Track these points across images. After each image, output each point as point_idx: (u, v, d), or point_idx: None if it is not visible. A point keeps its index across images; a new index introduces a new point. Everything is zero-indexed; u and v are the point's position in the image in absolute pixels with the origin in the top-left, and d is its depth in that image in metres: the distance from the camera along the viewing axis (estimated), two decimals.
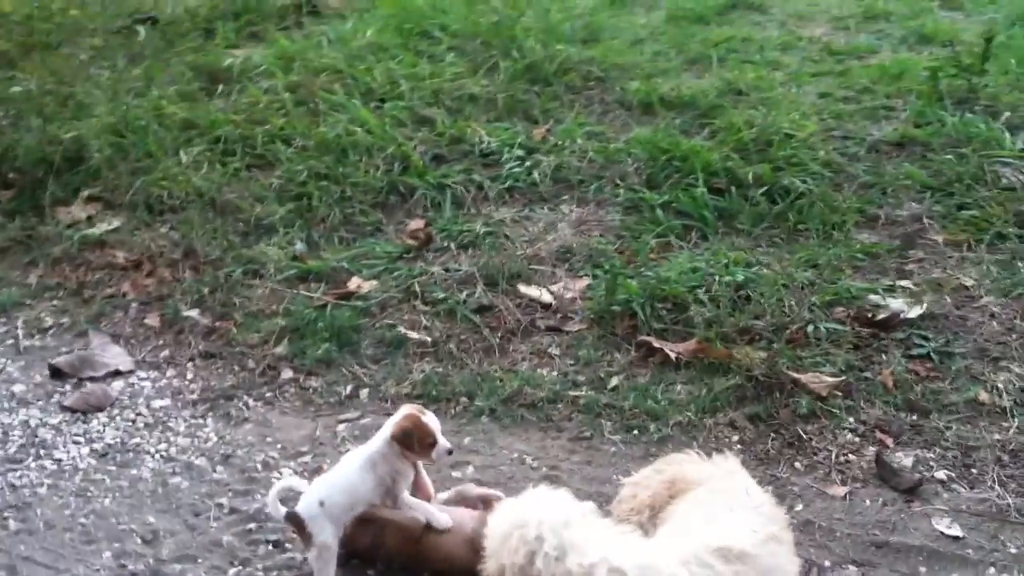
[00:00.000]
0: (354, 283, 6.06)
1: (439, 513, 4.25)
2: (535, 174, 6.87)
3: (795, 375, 5.07)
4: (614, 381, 5.26)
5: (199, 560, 4.40)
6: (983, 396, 4.97)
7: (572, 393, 5.21)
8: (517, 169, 6.93)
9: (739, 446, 4.84)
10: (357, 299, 5.94)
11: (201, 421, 5.28)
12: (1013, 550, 4.22)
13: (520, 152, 7.09)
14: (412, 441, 4.15)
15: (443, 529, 4.22)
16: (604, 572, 3.50)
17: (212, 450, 5.08)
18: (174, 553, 4.44)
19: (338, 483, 4.18)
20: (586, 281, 5.94)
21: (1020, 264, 5.79)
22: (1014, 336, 5.30)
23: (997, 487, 4.52)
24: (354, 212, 6.67)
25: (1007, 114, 7.10)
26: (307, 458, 4.99)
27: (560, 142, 7.17)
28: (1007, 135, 6.84)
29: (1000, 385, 5.02)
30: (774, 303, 5.50)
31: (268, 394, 5.46)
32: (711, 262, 5.86)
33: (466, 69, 8.10)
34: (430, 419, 4.20)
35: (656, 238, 6.18)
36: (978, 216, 6.17)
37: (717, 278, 5.67)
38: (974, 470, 4.63)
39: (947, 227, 6.17)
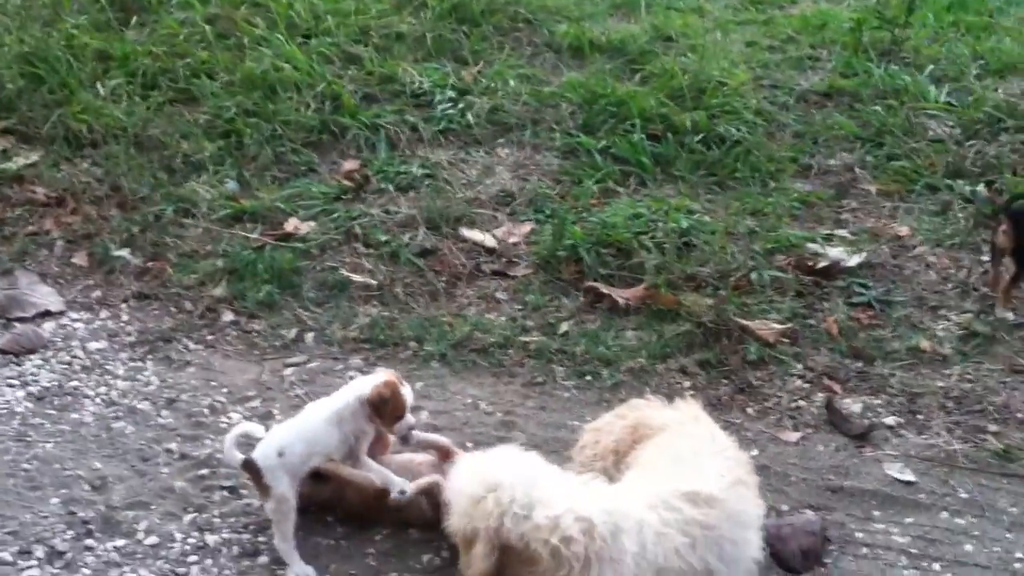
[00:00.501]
0: (291, 224, 5.93)
1: (397, 478, 4.15)
2: (469, 116, 6.80)
3: (743, 322, 5.15)
4: (564, 327, 5.27)
5: (152, 506, 4.28)
6: (924, 344, 5.12)
7: (523, 339, 5.20)
8: (451, 111, 6.84)
9: (691, 392, 4.89)
10: (296, 240, 5.81)
11: (140, 364, 5.13)
12: (963, 495, 4.37)
13: (452, 93, 7.00)
14: (386, 409, 4.05)
15: (400, 494, 4.13)
16: (571, 521, 3.52)
17: (155, 394, 4.93)
18: (125, 499, 4.31)
19: (299, 434, 4.06)
20: (529, 226, 5.92)
21: (951, 215, 5.94)
22: (950, 286, 5.48)
23: (944, 433, 4.68)
24: (286, 151, 6.50)
25: (930, 67, 7.27)
26: (255, 403, 4.89)
27: (492, 84, 7.09)
28: (932, 88, 7.00)
29: (940, 333, 5.19)
30: (718, 250, 5.55)
31: (209, 337, 5.33)
32: (652, 208, 5.90)
33: (391, 6, 7.92)
34: (407, 392, 4.09)
35: (596, 183, 6.17)
36: (908, 167, 6.33)
37: (660, 225, 5.70)
38: (920, 416, 4.78)
39: (879, 177, 6.32)
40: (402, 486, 4.10)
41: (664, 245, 5.58)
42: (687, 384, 4.97)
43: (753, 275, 5.45)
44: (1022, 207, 5.16)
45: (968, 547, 4.13)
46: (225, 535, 4.16)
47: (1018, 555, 4.08)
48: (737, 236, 5.71)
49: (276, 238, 5.81)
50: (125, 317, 5.43)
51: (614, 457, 4.03)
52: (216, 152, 6.43)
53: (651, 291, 5.33)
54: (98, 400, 4.87)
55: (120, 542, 4.11)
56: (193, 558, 4.05)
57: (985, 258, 5.55)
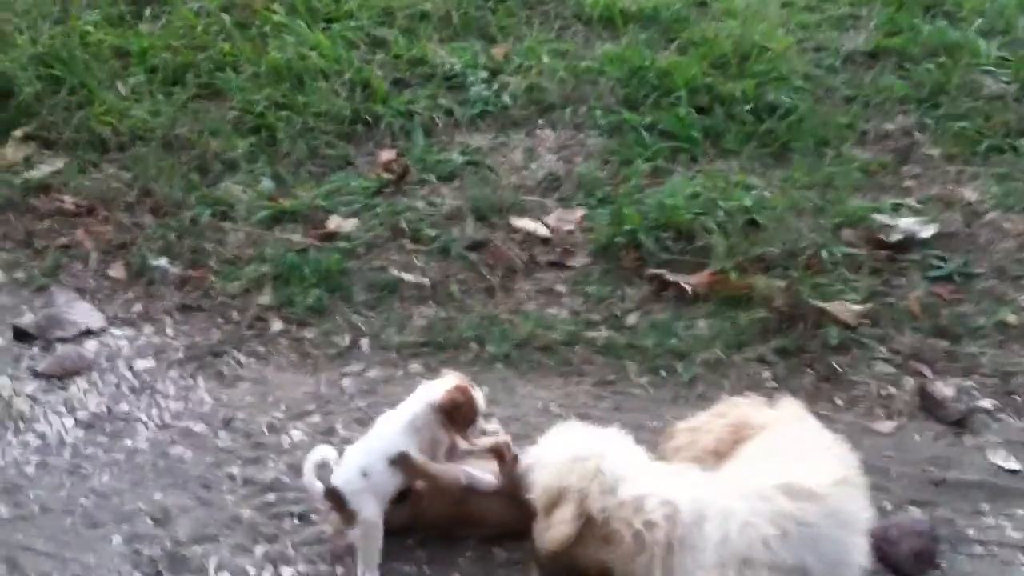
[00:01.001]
0: (334, 222, 5.69)
1: (481, 474, 3.97)
2: (504, 97, 6.52)
3: (820, 304, 4.90)
4: (631, 319, 5.03)
5: (220, 539, 4.07)
6: (1011, 318, 4.89)
7: (589, 334, 4.97)
8: (485, 92, 6.56)
9: (772, 383, 4.68)
10: (340, 240, 5.56)
11: (191, 382, 4.90)
12: None
13: (484, 74, 6.71)
14: (460, 414, 3.86)
15: (487, 490, 3.94)
16: (656, 504, 3.49)
17: (209, 414, 4.71)
18: (191, 533, 4.10)
19: (381, 452, 3.86)
20: (581, 211, 5.66)
21: (1020, 176, 5.68)
22: None
23: None
24: (319, 144, 6.24)
25: (978, 20, 6.96)
26: (315, 418, 4.67)
27: (524, 62, 6.80)
28: (981, 42, 6.71)
29: None
30: (784, 228, 5.30)
31: (260, 348, 5.10)
32: (708, 186, 5.63)
33: None
34: (478, 395, 3.91)
35: (645, 162, 5.91)
36: (969, 128, 6.05)
37: (721, 203, 5.43)
38: (1018, 397, 4.55)
39: (939, 140, 6.04)
40: (489, 483, 3.92)
41: (727, 225, 5.33)
42: (767, 375, 4.74)
43: (823, 253, 5.19)
44: None
45: None
46: (301, 568, 3.95)
47: None
48: (801, 211, 5.44)
49: (320, 238, 5.57)
50: (170, 331, 5.20)
51: (714, 459, 3.84)
52: (248, 149, 6.18)
53: (718, 276, 5.09)
54: (151, 424, 4.66)
55: None
56: None
57: None
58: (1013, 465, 4.24)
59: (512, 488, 3.93)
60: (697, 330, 4.93)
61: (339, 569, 3.93)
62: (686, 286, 5.08)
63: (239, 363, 5.02)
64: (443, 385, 3.91)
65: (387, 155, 6.19)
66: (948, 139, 6.02)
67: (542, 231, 5.53)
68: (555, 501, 3.66)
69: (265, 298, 5.30)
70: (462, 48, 6.93)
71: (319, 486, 3.85)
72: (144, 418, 4.69)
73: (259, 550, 4.03)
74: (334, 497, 3.81)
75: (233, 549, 4.02)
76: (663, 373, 4.78)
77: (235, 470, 4.39)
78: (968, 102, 6.23)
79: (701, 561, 3.40)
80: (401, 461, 3.83)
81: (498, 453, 4.01)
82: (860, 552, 3.51)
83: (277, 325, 5.20)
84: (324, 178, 6.05)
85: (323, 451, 3.96)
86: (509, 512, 3.96)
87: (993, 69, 6.48)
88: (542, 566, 3.81)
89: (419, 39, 7.02)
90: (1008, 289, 5.05)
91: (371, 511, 3.79)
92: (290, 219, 5.74)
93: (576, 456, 3.67)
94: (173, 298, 5.38)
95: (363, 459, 3.85)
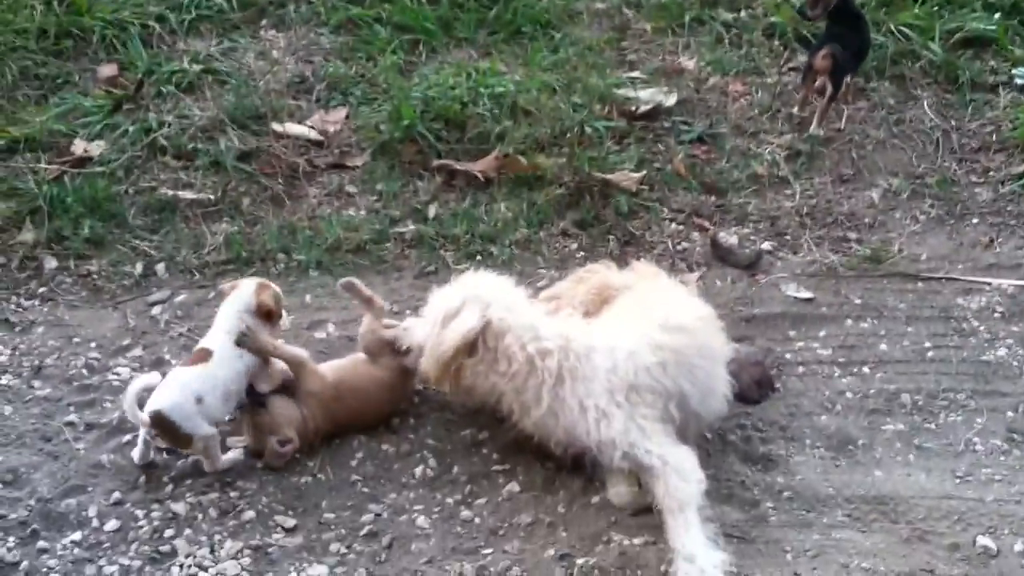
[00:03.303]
0: (79, 147, 5.24)
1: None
2: None
3: (604, 176, 5.19)
4: (432, 210, 5.08)
5: (89, 488, 3.78)
6: (760, 170, 5.42)
7: (397, 230, 4.98)
8: None
9: (581, 253, 4.93)
10: (95, 165, 5.14)
11: None
12: (857, 301, 4.76)
13: None
14: (278, 310, 3.93)
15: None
16: (549, 333, 3.74)
17: (15, 365, 4.29)
18: (54, 488, 3.77)
19: (211, 374, 3.76)
20: (344, 111, 5.58)
21: (725, 44, 6.20)
22: (756, 111, 5.77)
23: (815, 248, 5.03)
24: (31, 64, 5.67)
25: None
26: (137, 351, 4.40)
27: None
28: None
29: (768, 157, 5.48)
30: (548, 110, 5.51)
31: (41, 289, 4.67)
32: (457, 75, 5.72)
33: None
34: (278, 289, 4.02)
35: (392, 55, 5.89)
36: (669, 1, 6.48)
37: (483, 91, 5.55)
38: (788, 236, 5.11)
39: (648, 15, 6.45)
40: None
41: (495, 112, 5.46)
42: (574, 246, 4.99)
43: (588, 128, 5.47)
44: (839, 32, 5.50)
45: (883, 346, 4.53)
46: (190, 499, 3.76)
47: (927, 344, 4.53)
48: (553, 92, 5.67)
49: (71, 165, 5.12)
50: None
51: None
52: None
53: (503, 159, 5.24)
54: None
55: (76, 535, 3.63)
56: (169, 532, 3.65)
57: (774, 80, 5.92)
58: (805, 294, 4.78)
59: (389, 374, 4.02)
60: (499, 214, 5.07)
61: (232, 493, 3.77)
62: (476, 173, 5.18)
63: (22, 307, 4.58)
64: (242, 293, 3.91)
65: (108, 70, 5.74)
66: (656, 13, 6.43)
67: (313, 135, 5.41)
68: (454, 314, 3.78)
69: (28, 235, 4.83)
70: None
71: (142, 414, 3.70)
72: None
73: (136, 492, 3.78)
74: (161, 423, 3.68)
75: (108, 495, 3.75)
76: (479, 257, 4.89)
77: (72, 417, 4.05)
78: None
79: (591, 389, 3.65)
80: (246, 339, 3.81)
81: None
82: (724, 382, 3.92)
83: (52, 263, 4.78)
84: (47, 101, 5.53)
85: (146, 379, 3.82)
86: (386, 395, 4.05)
87: None
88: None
89: None
90: (750, 144, 5.59)
91: (205, 429, 3.71)
92: (28, 147, 5.20)
93: (477, 282, 3.92)
94: None
95: (196, 385, 3.73)
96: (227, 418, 3.94)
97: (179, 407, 3.68)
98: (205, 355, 3.80)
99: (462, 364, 3.76)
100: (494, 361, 3.75)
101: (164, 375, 3.84)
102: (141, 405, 3.72)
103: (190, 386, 3.73)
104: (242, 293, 3.94)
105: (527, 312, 3.83)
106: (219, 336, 3.87)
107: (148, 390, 3.77)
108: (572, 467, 3.81)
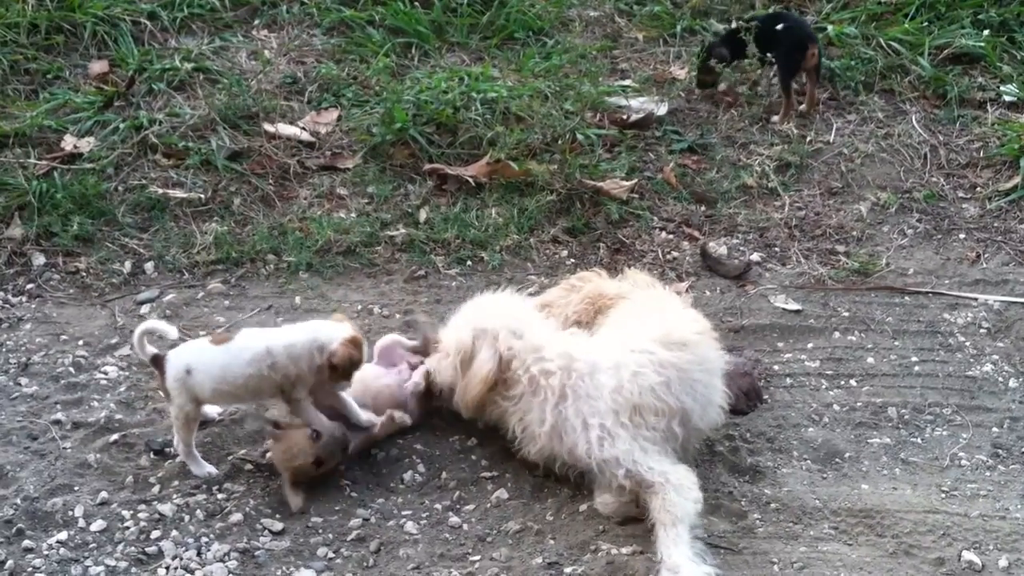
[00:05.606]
0: (69, 143, 5.22)
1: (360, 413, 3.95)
2: None
3: (595, 183, 5.20)
4: (423, 214, 5.08)
5: (75, 488, 3.76)
6: (750, 181, 5.44)
7: (387, 233, 4.97)
8: None
9: (571, 260, 4.94)
10: (84, 161, 5.12)
11: None
12: (845, 313, 4.77)
13: None
14: (350, 370, 3.78)
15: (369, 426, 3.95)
16: (553, 353, 3.78)
17: (1, 362, 4.28)
18: (40, 487, 3.74)
19: (218, 359, 3.72)
20: (335, 112, 5.57)
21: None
22: (747, 122, 5.80)
23: (803, 260, 5.05)
24: (21, 59, 5.65)
25: None
26: (125, 350, 4.36)
27: None
28: None
29: (758, 168, 5.51)
30: (539, 116, 5.52)
31: (29, 286, 4.65)
32: (450, 79, 5.72)
33: None
34: (365, 352, 3.85)
35: (384, 58, 5.90)
36: (661, 10, 6.52)
37: (475, 96, 5.56)
38: (776, 248, 5.11)
39: (639, 25, 6.48)
40: (369, 420, 3.95)
41: (487, 117, 5.47)
42: (564, 253, 5.00)
43: (579, 136, 5.48)
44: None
45: (870, 360, 4.55)
46: (177, 500, 3.75)
47: (913, 359, 4.55)
48: (544, 99, 5.68)
49: (60, 161, 5.10)
50: None
51: (578, 329, 4.07)
52: None
53: (495, 165, 5.24)
54: None
55: (62, 535, 3.60)
56: (156, 533, 3.63)
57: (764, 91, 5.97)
58: (793, 306, 4.80)
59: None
60: (490, 219, 5.07)
61: (219, 495, 3.76)
62: (468, 178, 5.18)
63: (9, 303, 4.55)
64: (334, 332, 3.76)
65: (99, 66, 5.74)
66: (647, 22, 6.46)
67: (305, 136, 5.40)
68: (471, 354, 3.82)
69: (16, 231, 4.81)
70: None
71: (150, 350, 3.75)
72: None
73: (123, 492, 3.76)
74: (158, 365, 3.73)
75: (95, 495, 3.73)
76: (469, 262, 4.89)
77: (59, 415, 4.03)
78: None
79: (596, 408, 3.66)
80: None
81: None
82: (721, 393, 3.94)
83: (40, 259, 4.76)
84: (38, 97, 5.51)
85: (155, 324, 3.81)
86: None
87: None
88: None
89: None
90: (740, 155, 5.61)
91: (182, 400, 3.69)
92: (18, 143, 5.18)
93: (484, 312, 3.94)
94: None
95: (194, 358, 3.72)
96: (216, 413, 3.95)
97: (172, 365, 3.70)
98: (224, 339, 3.78)
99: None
100: (504, 386, 3.80)
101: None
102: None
103: (188, 356, 3.73)
104: (329, 331, 3.79)
105: (533, 334, 3.85)
106: (254, 332, 3.84)
107: (153, 333, 3.77)
108: (560, 475, 3.80)
